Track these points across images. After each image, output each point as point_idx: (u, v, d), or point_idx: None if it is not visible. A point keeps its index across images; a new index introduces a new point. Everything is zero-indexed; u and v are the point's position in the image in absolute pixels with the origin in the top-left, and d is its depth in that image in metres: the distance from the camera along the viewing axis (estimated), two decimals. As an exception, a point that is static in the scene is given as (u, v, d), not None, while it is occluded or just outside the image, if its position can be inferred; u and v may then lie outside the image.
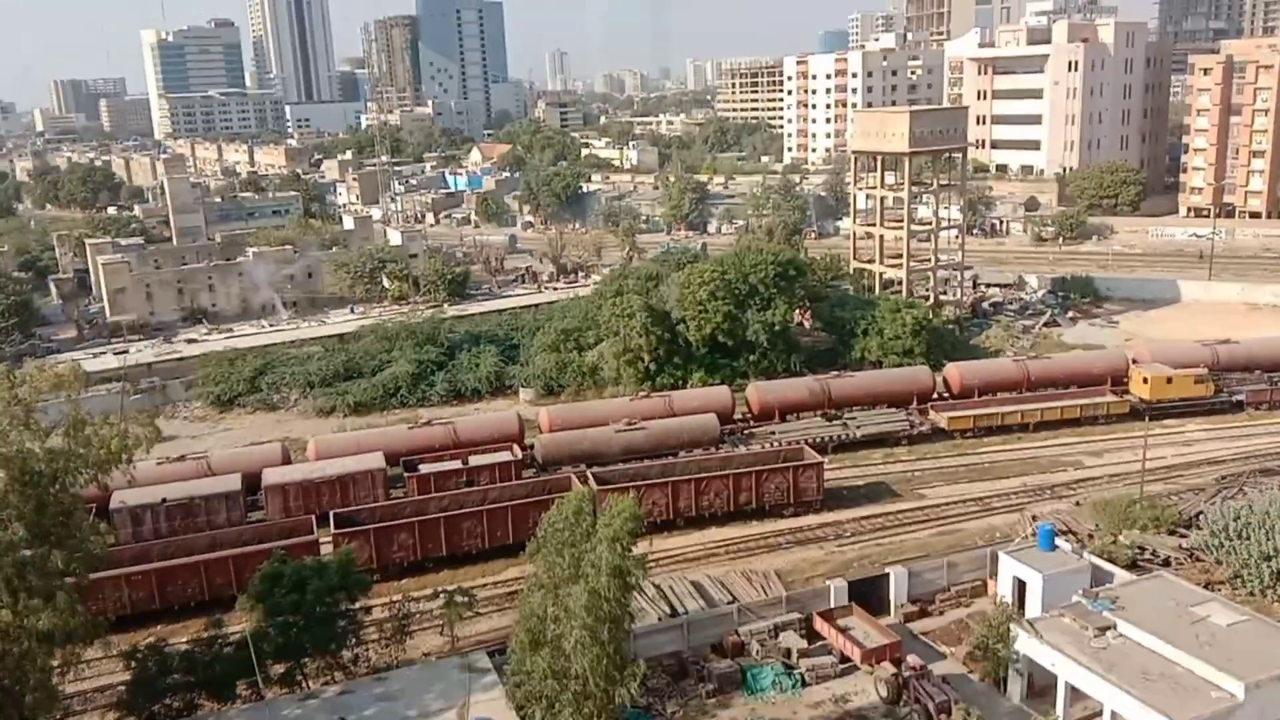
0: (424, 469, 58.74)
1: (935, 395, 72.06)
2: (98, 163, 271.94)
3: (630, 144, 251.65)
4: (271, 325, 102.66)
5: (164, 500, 54.09)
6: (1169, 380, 69.93)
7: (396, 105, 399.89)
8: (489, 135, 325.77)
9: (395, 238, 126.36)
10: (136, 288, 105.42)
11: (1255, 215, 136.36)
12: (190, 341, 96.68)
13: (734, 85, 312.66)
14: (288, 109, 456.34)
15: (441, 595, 43.35)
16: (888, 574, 45.59)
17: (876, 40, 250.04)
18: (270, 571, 38.13)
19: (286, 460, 61.14)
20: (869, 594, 44.34)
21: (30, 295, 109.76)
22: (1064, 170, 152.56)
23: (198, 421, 79.43)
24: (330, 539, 48.76)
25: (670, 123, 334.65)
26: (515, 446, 62.26)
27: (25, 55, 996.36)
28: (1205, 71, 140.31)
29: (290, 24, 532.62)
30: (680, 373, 78.11)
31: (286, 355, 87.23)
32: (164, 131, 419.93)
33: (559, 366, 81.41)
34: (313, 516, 52.42)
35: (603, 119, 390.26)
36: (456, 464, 59.30)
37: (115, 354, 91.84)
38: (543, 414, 67.44)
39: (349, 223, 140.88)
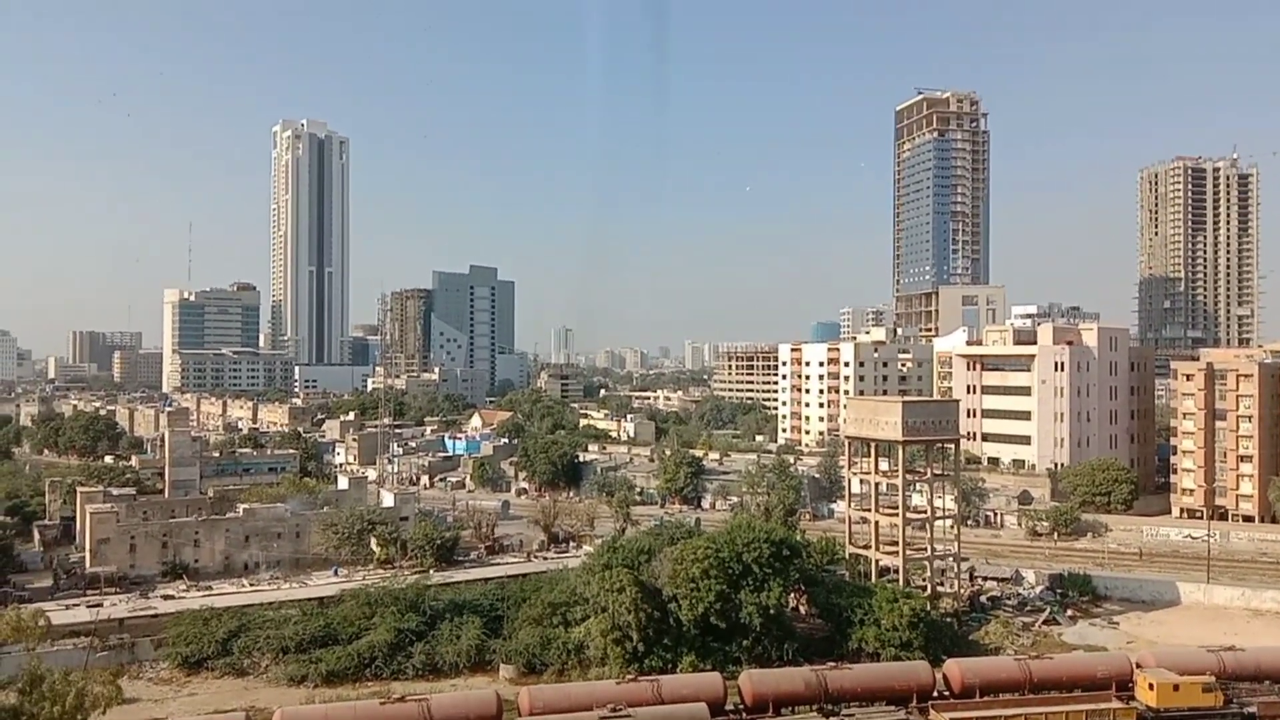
0: (393, 749, 55.30)
1: (935, 693, 69.13)
2: (102, 411, 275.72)
3: (628, 417, 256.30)
4: (252, 584, 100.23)
5: (112, 771, 50.53)
6: (1176, 688, 67.18)
7: (404, 370, 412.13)
8: (491, 402, 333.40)
9: (388, 499, 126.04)
10: (121, 539, 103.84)
11: (1248, 519, 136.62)
12: (167, 598, 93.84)
13: (730, 367, 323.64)
14: (297, 369, 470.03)
15: None
16: None
17: (867, 333, 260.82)
18: None
19: (249, 732, 57.76)
20: None
21: (11, 541, 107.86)
22: (1055, 465, 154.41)
23: (162, 684, 75.75)
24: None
25: (668, 398, 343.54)
26: (492, 729, 58.93)
27: (49, 307, 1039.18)
28: (1188, 378, 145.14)
29: (310, 291, 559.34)
30: (670, 655, 75.36)
31: (263, 617, 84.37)
32: (172, 385, 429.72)
33: (543, 643, 78.57)
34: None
35: (603, 392, 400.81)
36: (428, 746, 55.92)
37: (88, 606, 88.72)
38: (522, 695, 64.33)
39: (344, 483, 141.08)
